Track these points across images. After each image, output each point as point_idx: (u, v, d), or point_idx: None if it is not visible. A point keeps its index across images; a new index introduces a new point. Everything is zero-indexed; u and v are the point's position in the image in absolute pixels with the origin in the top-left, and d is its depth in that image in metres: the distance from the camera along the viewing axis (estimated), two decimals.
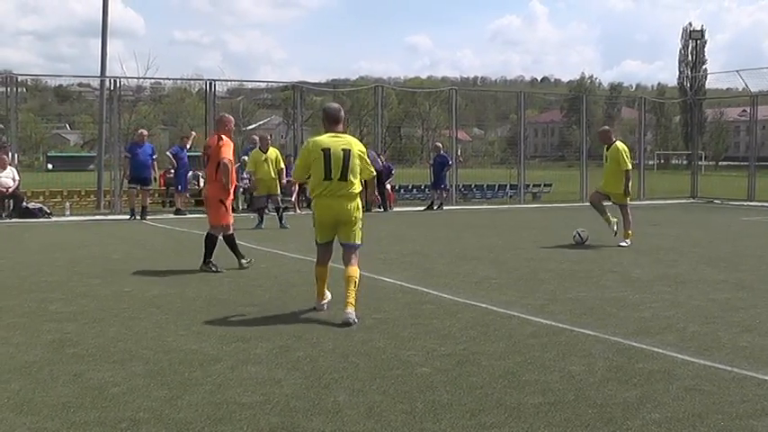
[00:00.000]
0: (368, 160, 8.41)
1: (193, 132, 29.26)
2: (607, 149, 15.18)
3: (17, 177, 22.10)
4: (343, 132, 8.37)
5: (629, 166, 14.88)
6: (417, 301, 9.09)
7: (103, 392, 5.49)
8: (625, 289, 9.86)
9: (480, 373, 6.01)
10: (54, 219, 21.67)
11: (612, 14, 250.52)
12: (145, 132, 23.55)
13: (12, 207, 21.78)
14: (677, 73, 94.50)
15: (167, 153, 23.87)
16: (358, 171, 8.20)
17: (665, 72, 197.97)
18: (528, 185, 31.57)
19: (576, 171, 31.98)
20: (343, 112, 8.42)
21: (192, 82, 53.36)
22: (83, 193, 25.93)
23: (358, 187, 8.23)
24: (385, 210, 24.65)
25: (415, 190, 31.74)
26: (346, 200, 8.10)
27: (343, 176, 8.06)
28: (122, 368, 6.10)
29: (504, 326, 7.73)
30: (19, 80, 26.87)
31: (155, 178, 22.37)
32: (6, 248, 14.59)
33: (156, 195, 24.38)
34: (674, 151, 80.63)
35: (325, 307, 8.35)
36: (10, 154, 22.66)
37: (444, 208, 25.83)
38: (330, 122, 8.32)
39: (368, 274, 10.83)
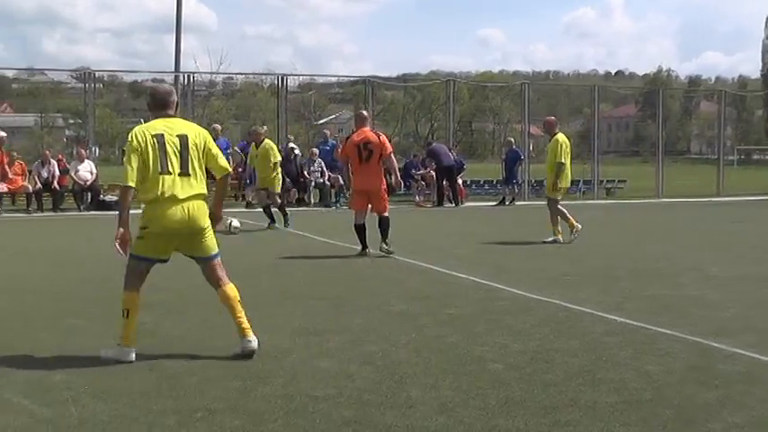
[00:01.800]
0: (216, 150, 6.51)
1: (265, 127, 29.54)
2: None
3: (95, 171, 22.59)
4: (175, 117, 6.55)
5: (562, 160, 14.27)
6: (490, 297, 9.06)
7: (179, 382, 5.59)
8: (704, 287, 9.69)
9: (554, 370, 5.97)
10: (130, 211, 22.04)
11: (692, 4, 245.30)
12: (218, 127, 23.88)
13: (89, 200, 22.28)
14: (760, 64, 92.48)
15: (235, 148, 24.13)
16: (201, 164, 6.36)
17: (748, 64, 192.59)
18: (602, 181, 31.20)
19: (651, 167, 31.53)
20: (175, 96, 6.68)
21: (263, 76, 53.98)
22: None
23: (204, 187, 6.39)
24: (456, 205, 24.63)
25: (486, 185, 31.60)
26: (194, 201, 6.23)
27: (185, 170, 6.22)
28: (197, 358, 6.20)
29: (578, 323, 7.66)
30: (96, 76, 27.42)
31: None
32: (85, 240, 14.92)
33: (229, 189, 24.63)
34: (756, 146, 78.83)
35: (134, 357, 6.17)
36: (93, 148, 23.21)
37: (516, 203, 25.67)
38: (158, 107, 6.47)
39: (441, 269, 10.88)
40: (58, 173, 22.27)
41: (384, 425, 4.76)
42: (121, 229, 6.10)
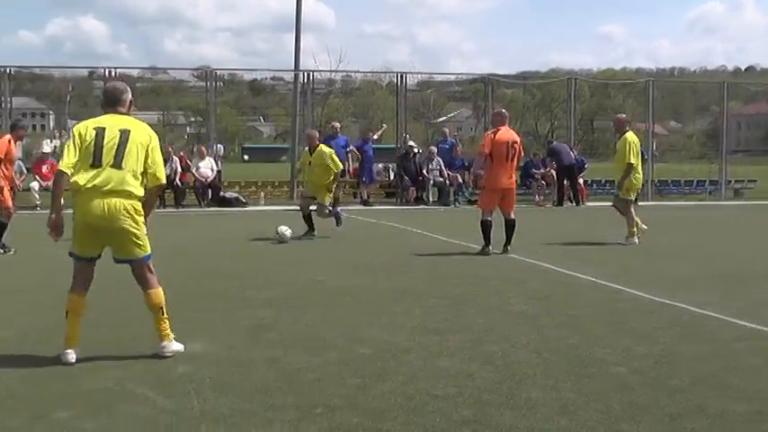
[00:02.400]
0: (158, 158, 6.23)
1: (384, 125, 29.73)
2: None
3: (215, 168, 23.13)
4: (125, 114, 6.33)
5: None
6: (611, 298, 8.90)
7: (299, 378, 5.66)
8: None
9: (680, 375, 5.82)
10: (249, 208, 22.56)
11: None
12: (337, 125, 24.14)
13: (210, 196, 22.83)
14: None
15: (351, 146, 24.31)
16: (140, 164, 6.06)
17: None
18: (729, 181, 30.28)
19: None
20: (128, 95, 6.38)
21: (381, 74, 54.30)
22: (276, 184, 26.78)
23: (138, 187, 6.06)
24: (577, 204, 24.30)
25: (608, 185, 31.01)
26: (120, 198, 5.94)
27: (117, 163, 5.97)
28: (317, 355, 6.27)
29: (705, 327, 7.45)
30: (216, 74, 28.06)
31: (348, 170, 22.83)
32: (206, 235, 15.29)
33: (348, 187, 24.92)
34: None
35: (73, 359, 6.00)
36: (217, 146, 23.80)
37: (639, 204, 25.10)
38: (108, 103, 6.31)
39: (561, 269, 10.75)
40: (180, 170, 22.90)
41: (504, 425, 4.73)
42: (53, 215, 6.06)
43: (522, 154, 12.66)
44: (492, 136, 12.34)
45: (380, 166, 25.66)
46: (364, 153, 23.66)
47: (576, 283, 9.92)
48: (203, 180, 22.78)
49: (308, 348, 6.48)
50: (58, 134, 76.87)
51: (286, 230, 13.95)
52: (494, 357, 6.24)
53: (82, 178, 5.93)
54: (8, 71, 24.15)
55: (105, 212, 5.89)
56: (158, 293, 6.23)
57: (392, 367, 5.94)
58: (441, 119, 71.82)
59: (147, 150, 6.11)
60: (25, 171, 21.51)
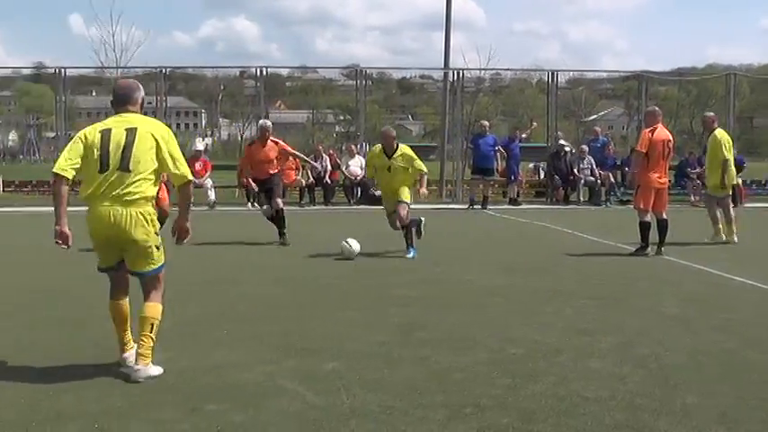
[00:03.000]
0: (175, 153, 5.71)
1: (534, 123, 29.44)
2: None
3: (365, 166, 23.39)
4: (134, 113, 5.80)
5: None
6: None
7: (448, 377, 5.68)
8: None
9: None
10: None
11: None
12: (486, 123, 24.04)
13: (359, 194, 23.13)
14: None
15: (499, 145, 24.10)
16: (151, 163, 5.59)
17: None
18: None
19: None
20: (140, 93, 5.89)
21: (531, 72, 53.63)
22: None
23: (151, 189, 5.62)
24: (735, 205, 23.39)
25: None
26: (129, 206, 5.49)
27: (125, 166, 5.50)
28: (466, 354, 6.28)
29: None
30: (366, 73, 28.39)
31: (497, 169, 22.73)
32: (355, 233, 15.47)
33: (496, 186, 24.79)
34: None
35: (132, 362, 5.72)
36: (364, 144, 24.11)
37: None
38: (118, 102, 5.83)
39: (715, 271, 10.45)
40: (329, 168, 23.29)
41: (659, 431, 4.63)
42: (57, 227, 5.58)
43: (674, 153, 12.32)
44: (650, 135, 12.08)
45: (531, 165, 25.42)
46: (510, 151, 23.47)
47: (731, 285, 9.61)
48: (353, 178, 23.09)
49: (458, 348, 6.49)
50: (209, 132, 79.46)
51: (354, 244, 11.54)
52: (646, 361, 6.10)
53: (90, 187, 5.53)
54: (163, 71, 25.10)
55: (113, 222, 5.45)
56: (156, 308, 5.68)
57: (542, 368, 5.90)
58: (591, 117, 70.61)
59: (158, 147, 5.59)
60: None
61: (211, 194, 21.69)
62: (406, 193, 12.07)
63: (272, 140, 13.54)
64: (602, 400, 5.12)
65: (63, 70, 24.16)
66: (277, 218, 13.43)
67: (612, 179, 23.57)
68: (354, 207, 22.39)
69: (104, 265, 5.80)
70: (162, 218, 13.12)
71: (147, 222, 5.56)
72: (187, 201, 5.83)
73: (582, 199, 23.82)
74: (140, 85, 5.92)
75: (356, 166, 23.17)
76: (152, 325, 5.59)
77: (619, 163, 24.05)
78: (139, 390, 5.38)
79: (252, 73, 28.79)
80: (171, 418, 4.85)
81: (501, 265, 11.16)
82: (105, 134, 5.57)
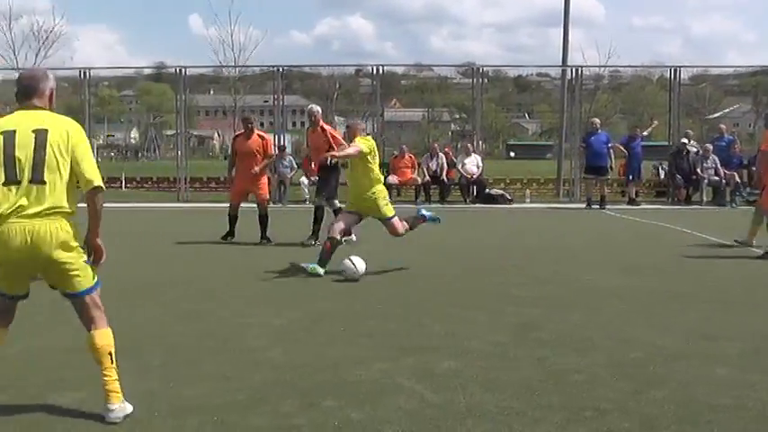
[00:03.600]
0: (84, 157, 4.72)
1: (655, 122, 28.82)
2: None
3: (481, 164, 23.28)
4: (43, 109, 4.84)
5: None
6: None
7: (566, 378, 5.58)
8: None
9: None
10: (514, 205, 22.55)
11: None
12: (597, 121, 23.56)
13: (475, 193, 23.02)
14: None
15: (612, 142, 23.56)
16: (65, 171, 4.67)
17: None
18: None
19: None
20: (49, 83, 4.92)
21: (652, 69, 52.63)
22: (542, 181, 26.60)
23: (69, 202, 4.69)
24: None
25: None
26: (46, 220, 4.60)
27: (38, 177, 4.60)
28: (584, 356, 6.15)
29: None
30: (482, 71, 28.20)
31: (611, 167, 22.27)
32: (471, 232, 15.41)
33: (615, 185, 24.32)
34: None
35: None
36: (480, 142, 24.03)
37: None
38: (23, 95, 4.88)
39: None
40: (446, 166, 23.25)
41: None
42: None
43: None
44: None
45: (653, 165, 24.85)
46: (631, 150, 22.96)
47: None
48: (469, 176, 22.99)
49: (576, 349, 6.36)
50: None
51: (359, 264, 9.75)
52: None
53: None
54: (280, 70, 25.44)
55: (28, 242, 4.54)
56: (108, 334, 4.85)
57: (664, 373, 5.72)
58: (716, 114, 68.68)
59: (69, 151, 4.68)
60: (296, 166, 22.56)
61: (306, 192, 21.84)
62: (385, 211, 10.34)
63: (322, 127, 13.09)
64: (728, 409, 4.94)
65: (183, 70, 24.72)
66: (315, 218, 12.96)
67: (738, 179, 22.82)
68: (470, 206, 22.27)
69: (11, 292, 4.79)
70: (263, 212, 12.75)
71: (69, 238, 4.65)
72: (97, 212, 4.74)
73: (705, 199, 23.13)
74: (49, 75, 4.98)
75: (472, 164, 23.06)
76: (111, 354, 4.79)
77: (745, 162, 23.27)
78: (259, 384, 5.44)
79: (367, 71, 28.97)
80: (289, 412, 4.90)
81: (619, 265, 10.92)
82: (9, 137, 4.64)
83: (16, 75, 36.76)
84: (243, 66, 40.06)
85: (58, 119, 4.82)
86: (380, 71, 26.06)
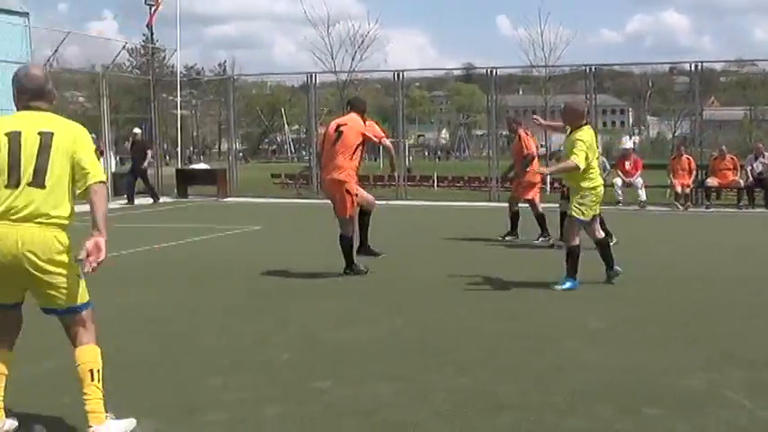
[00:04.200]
0: (89, 162, 4.48)
1: None
2: None
3: None
4: (46, 111, 4.64)
5: None
6: None
7: None
8: None
9: None
10: None
11: None
12: None
13: None
14: None
15: None
16: (67, 178, 4.47)
17: None
18: None
19: None
20: (50, 84, 4.72)
21: None
22: None
23: (67, 211, 4.48)
24: None
25: None
26: (42, 227, 4.37)
27: (39, 180, 4.41)
28: None
29: None
30: None
31: None
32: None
33: None
34: None
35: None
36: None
37: None
38: (28, 96, 4.64)
39: None
40: None
41: None
42: None
43: None
44: None
45: None
46: None
47: None
48: None
49: None
50: (636, 130, 78.27)
51: None
52: None
53: None
54: (591, 69, 25.00)
55: (19, 247, 4.31)
56: (93, 350, 4.55)
57: None
58: None
59: (72, 158, 4.47)
60: (608, 167, 22.05)
61: (642, 194, 21.27)
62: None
63: None
64: None
65: (494, 70, 24.94)
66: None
67: None
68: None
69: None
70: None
71: (63, 248, 4.42)
72: (104, 206, 4.46)
73: None
74: (48, 76, 4.78)
75: None
76: (92, 372, 4.47)
77: None
78: (574, 385, 5.37)
79: (683, 68, 27.89)
80: (608, 417, 4.80)
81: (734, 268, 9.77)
82: (14, 138, 4.48)
83: (334, 78, 39.18)
84: (553, 65, 39.86)
85: (63, 123, 4.63)
86: (699, 68, 24.94)
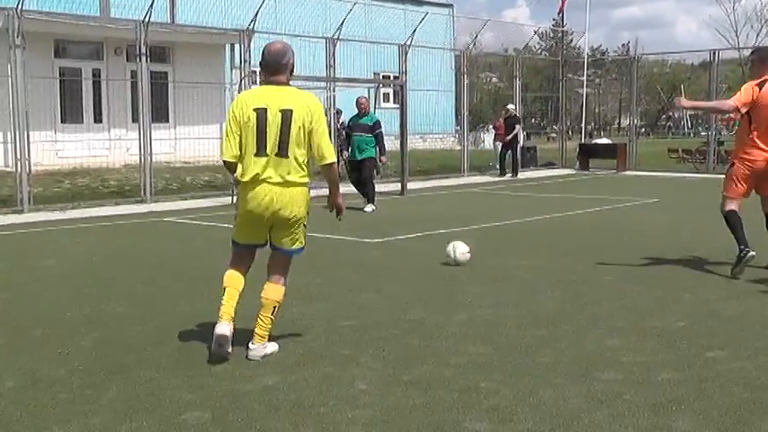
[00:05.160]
0: (325, 136, 5.14)
1: None
2: None
3: None
4: (286, 85, 5.19)
5: None
6: None
7: None
8: None
9: None
10: None
11: None
12: None
13: None
14: None
15: None
16: (304, 147, 5.11)
17: None
18: None
19: None
20: (289, 57, 5.16)
21: None
22: None
23: (305, 175, 5.17)
24: None
25: None
26: (286, 187, 5.11)
27: (283, 151, 5.07)
28: None
29: None
30: None
31: None
32: None
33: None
34: None
35: (226, 342, 5.13)
36: None
37: None
38: (268, 70, 5.22)
39: None
40: None
41: None
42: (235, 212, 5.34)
43: None
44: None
45: None
46: None
47: None
48: None
49: None
50: None
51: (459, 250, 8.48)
52: None
53: (248, 171, 5.12)
54: None
55: (273, 201, 5.11)
56: (279, 291, 5.29)
57: None
58: None
59: (307, 132, 5.09)
60: None
61: None
62: None
63: None
64: None
65: None
66: None
67: None
68: None
69: (245, 242, 5.37)
70: None
71: (303, 203, 5.21)
72: (333, 181, 5.33)
73: None
74: (289, 48, 5.28)
75: None
76: (275, 307, 5.27)
77: None
78: None
79: None
80: None
81: None
82: (261, 115, 5.08)
83: (736, 54, 36.40)
84: None
85: (300, 96, 5.15)
86: None
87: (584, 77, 29.59)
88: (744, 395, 4.45)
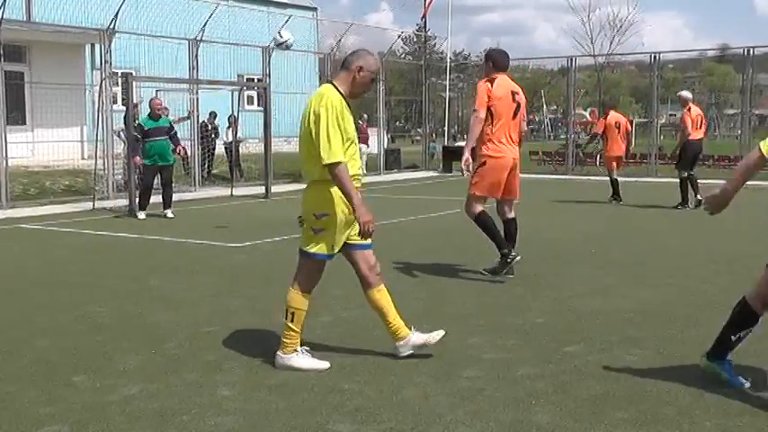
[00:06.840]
0: (323, 134, 4.74)
1: None
2: None
3: None
4: (325, 84, 5.11)
5: None
6: None
7: None
8: None
9: None
10: None
11: None
12: None
13: None
14: None
15: None
16: (313, 147, 4.82)
17: None
18: None
19: None
20: (351, 58, 5.02)
21: None
22: None
23: (319, 170, 4.82)
24: None
25: None
26: (306, 188, 5.08)
27: (302, 151, 5.02)
28: None
29: None
30: None
31: None
32: None
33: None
34: None
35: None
36: None
37: None
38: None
39: None
40: None
41: None
42: (359, 215, 4.77)
43: None
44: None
45: None
46: None
47: None
48: None
49: None
50: None
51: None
52: None
53: (352, 167, 4.88)
54: None
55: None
56: (289, 293, 5.08)
57: None
58: None
59: (308, 131, 4.86)
60: None
61: None
62: None
63: None
64: None
65: (750, 50, 23.50)
66: None
67: None
68: None
69: (333, 252, 5.03)
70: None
71: (309, 203, 4.96)
72: (340, 187, 4.80)
73: None
74: (361, 53, 5.07)
75: None
76: (290, 313, 5.03)
77: None
78: None
79: None
80: None
81: None
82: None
83: (592, 61, 38.04)
84: None
85: (315, 95, 4.92)
86: None
87: (447, 81, 30.06)
88: (598, 387, 4.62)
